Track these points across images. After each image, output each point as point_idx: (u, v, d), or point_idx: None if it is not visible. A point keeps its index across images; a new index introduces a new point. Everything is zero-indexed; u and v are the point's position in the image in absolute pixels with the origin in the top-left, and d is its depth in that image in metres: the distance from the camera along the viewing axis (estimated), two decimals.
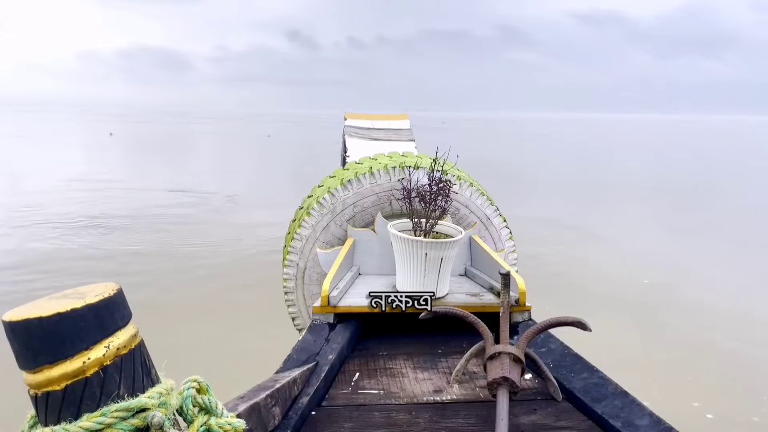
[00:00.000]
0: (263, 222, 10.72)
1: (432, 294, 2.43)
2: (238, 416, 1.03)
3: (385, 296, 2.39)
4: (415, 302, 2.38)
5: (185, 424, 0.89)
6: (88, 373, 0.79)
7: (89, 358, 0.79)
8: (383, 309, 2.39)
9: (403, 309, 2.38)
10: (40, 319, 0.76)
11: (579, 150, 35.98)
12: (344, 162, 5.73)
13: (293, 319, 3.32)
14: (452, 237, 2.62)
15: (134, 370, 0.85)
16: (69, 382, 0.78)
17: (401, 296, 2.40)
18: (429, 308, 2.34)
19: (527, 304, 2.39)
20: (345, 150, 5.37)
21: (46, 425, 0.81)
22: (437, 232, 2.72)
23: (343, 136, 5.88)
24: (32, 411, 0.83)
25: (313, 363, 2.00)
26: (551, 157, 29.51)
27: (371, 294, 2.42)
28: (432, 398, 1.90)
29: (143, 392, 0.84)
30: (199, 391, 0.93)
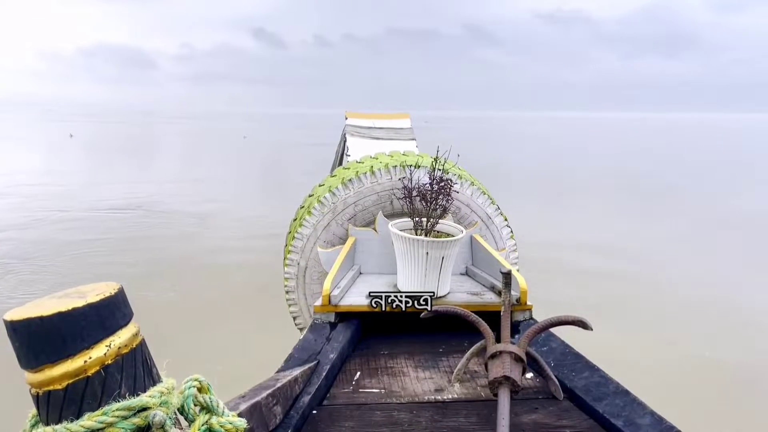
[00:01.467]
0: (244, 259, 7.98)
1: (432, 294, 2.43)
2: (240, 415, 1.03)
3: (385, 296, 2.39)
4: (415, 302, 2.38)
5: (186, 423, 0.89)
6: (90, 372, 0.79)
7: (90, 357, 0.79)
8: (383, 309, 2.39)
9: (403, 309, 2.38)
10: (41, 318, 0.76)
11: (574, 150, 35.83)
12: (341, 161, 5.72)
13: (294, 318, 3.32)
14: (453, 236, 2.62)
15: (135, 369, 0.85)
16: (70, 381, 0.78)
17: (401, 296, 2.40)
18: (429, 308, 2.34)
19: (528, 303, 2.39)
20: (346, 149, 5.37)
21: (47, 424, 0.81)
22: (438, 231, 2.72)
23: (344, 135, 5.87)
24: (34, 410, 0.83)
25: (315, 362, 2.00)
26: (544, 157, 29.26)
27: (371, 294, 2.42)
28: (433, 397, 1.90)
29: (144, 391, 0.84)
30: (200, 390, 0.93)
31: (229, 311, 6.14)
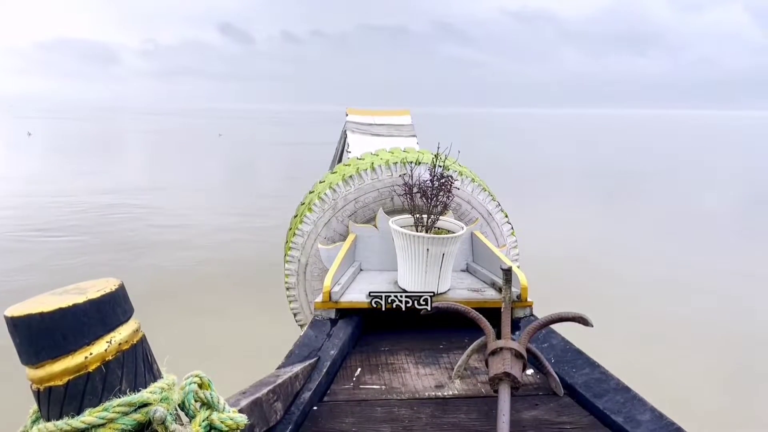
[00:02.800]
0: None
1: (432, 294, 2.43)
2: (240, 411, 1.04)
3: (385, 296, 2.40)
4: (415, 302, 2.39)
5: (187, 419, 0.89)
6: (90, 368, 0.79)
7: (91, 353, 0.79)
8: (383, 309, 2.40)
9: (403, 309, 2.39)
10: (42, 315, 0.76)
11: (551, 146, 35.80)
12: (341, 158, 5.71)
13: (295, 314, 3.32)
14: (454, 233, 2.62)
15: (136, 365, 0.85)
16: (71, 377, 0.78)
17: (401, 296, 2.40)
18: (429, 308, 2.36)
19: (529, 299, 2.39)
20: (346, 146, 5.37)
21: (48, 420, 0.81)
22: (439, 228, 2.72)
23: (344, 131, 5.87)
24: (35, 406, 0.83)
25: (315, 358, 2.00)
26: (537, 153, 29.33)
27: (371, 294, 2.42)
28: (433, 393, 1.90)
29: (145, 387, 0.85)
30: (201, 386, 0.93)
31: (235, 305, 6.16)
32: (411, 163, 3.13)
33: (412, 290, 2.53)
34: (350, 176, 3.18)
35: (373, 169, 3.17)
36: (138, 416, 0.81)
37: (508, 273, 2.09)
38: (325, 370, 1.93)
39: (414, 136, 5.45)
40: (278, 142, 34.30)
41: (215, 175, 18.56)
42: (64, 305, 0.77)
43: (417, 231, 2.61)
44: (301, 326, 3.25)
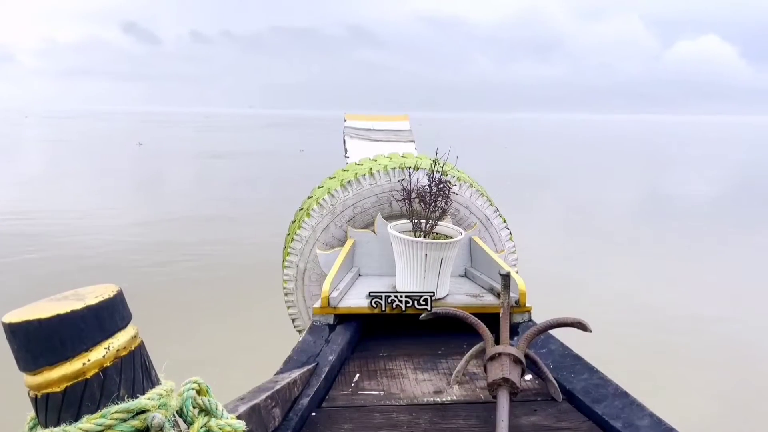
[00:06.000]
0: None
1: (432, 294, 2.43)
2: (239, 417, 1.03)
3: (385, 296, 2.40)
4: (415, 302, 2.39)
5: (185, 426, 0.89)
6: (88, 375, 0.79)
7: (89, 360, 0.79)
8: (383, 309, 2.39)
9: (403, 309, 2.38)
10: (39, 321, 0.76)
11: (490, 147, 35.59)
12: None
13: (293, 320, 3.32)
14: (452, 238, 2.62)
15: (134, 372, 0.85)
16: (69, 384, 0.78)
17: (401, 296, 2.40)
18: (429, 308, 2.35)
19: (527, 304, 2.39)
20: (345, 151, 5.38)
21: (46, 427, 0.80)
22: (437, 233, 2.72)
23: (343, 137, 5.88)
24: (32, 412, 0.83)
25: (313, 364, 2.00)
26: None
27: (371, 294, 2.42)
28: (432, 399, 1.90)
29: (143, 394, 0.84)
30: (199, 392, 0.93)
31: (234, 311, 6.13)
32: (409, 168, 3.14)
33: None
34: (348, 181, 3.18)
35: (372, 174, 3.17)
36: (136, 423, 0.81)
37: (506, 278, 2.09)
38: (323, 376, 1.93)
39: (412, 141, 5.47)
40: (212, 152, 28.19)
41: (148, 200, 14.52)
42: (62, 311, 0.77)
43: (415, 236, 2.61)
44: (300, 332, 3.25)
